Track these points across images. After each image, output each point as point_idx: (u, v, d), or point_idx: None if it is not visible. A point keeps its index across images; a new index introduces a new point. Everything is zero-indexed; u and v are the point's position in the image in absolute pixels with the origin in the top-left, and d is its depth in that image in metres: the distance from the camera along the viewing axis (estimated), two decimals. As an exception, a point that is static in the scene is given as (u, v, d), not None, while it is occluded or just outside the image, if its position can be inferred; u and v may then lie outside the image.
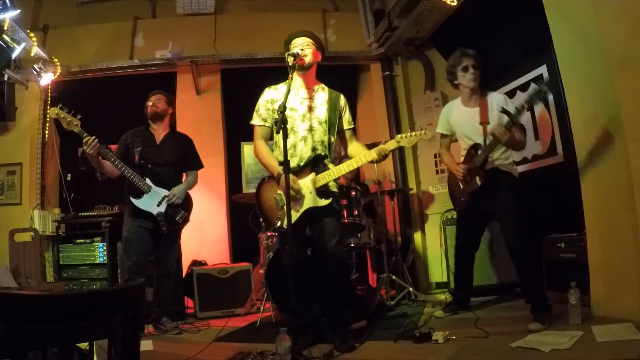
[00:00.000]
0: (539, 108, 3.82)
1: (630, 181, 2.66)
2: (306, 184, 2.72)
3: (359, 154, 2.76)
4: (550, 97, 3.67)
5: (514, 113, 2.84)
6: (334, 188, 2.81)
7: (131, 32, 5.21)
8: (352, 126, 2.97)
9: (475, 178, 3.06)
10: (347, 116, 2.95)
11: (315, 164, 2.76)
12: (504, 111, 2.87)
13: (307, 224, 2.85)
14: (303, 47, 2.77)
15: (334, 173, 2.71)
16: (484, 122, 3.05)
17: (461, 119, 3.21)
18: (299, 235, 2.84)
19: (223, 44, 5.19)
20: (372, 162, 2.73)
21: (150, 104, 3.65)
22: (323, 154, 2.78)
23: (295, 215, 2.70)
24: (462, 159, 3.24)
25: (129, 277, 3.38)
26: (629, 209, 2.67)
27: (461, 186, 3.21)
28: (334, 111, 2.85)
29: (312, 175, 2.73)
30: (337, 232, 2.76)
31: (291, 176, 2.63)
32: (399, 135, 2.74)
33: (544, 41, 3.39)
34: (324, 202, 2.71)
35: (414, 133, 2.72)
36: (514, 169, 3.18)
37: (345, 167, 2.72)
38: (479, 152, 3.03)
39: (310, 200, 2.71)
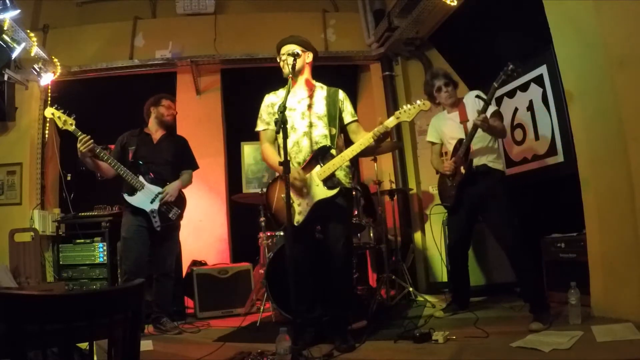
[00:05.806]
0: (538, 108, 3.82)
1: (630, 181, 2.66)
2: (313, 177, 2.73)
3: (361, 139, 2.75)
4: (551, 97, 3.68)
5: (487, 97, 2.95)
6: (343, 180, 2.78)
7: (131, 32, 5.21)
8: (355, 118, 2.94)
9: (460, 168, 3.21)
10: (349, 109, 2.93)
11: (320, 155, 2.76)
12: (478, 96, 3.09)
13: (319, 218, 2.80)
14: (287, 55, 2.79)
15: (338, 161, 2.71)
16: (464, 120, 3.27)
17: (446, 124, 3.44)
18: (308, 233, 2.85)
19: (223, 44, 5.19)
20: (375, 142, 2.67)
21: (166, 111, 3.67)
22: (327, 145, 2.78)
23: (306, 210, 2.71)
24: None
25: (127, 277, 3.38)
26: (629, 208, 2.67)
27: (449, 182, 3.32)
28: (333, 105, 2.87)
29: (317, 168, 2.74)
30: (344, 233, 2.77)
31: (296, 168, 2.67)
32: (398, 111, 2.70)
33: (544, 41, 3.39)
34: (333, 192, 2.70)
35: (412, 105, 2.68)
36: (501, 166, 3.28)
37: (349, 153, 2.71)
38: (462, 143, 3.17)
39: (319, 192, 2.71)
